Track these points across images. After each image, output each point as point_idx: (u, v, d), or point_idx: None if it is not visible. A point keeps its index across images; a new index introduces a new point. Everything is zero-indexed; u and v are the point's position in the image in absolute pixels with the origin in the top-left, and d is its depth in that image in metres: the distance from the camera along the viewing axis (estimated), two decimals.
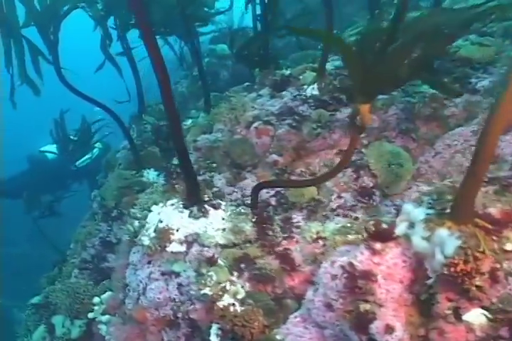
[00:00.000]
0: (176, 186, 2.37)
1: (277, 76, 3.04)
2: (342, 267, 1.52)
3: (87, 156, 5.60)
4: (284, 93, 2.83)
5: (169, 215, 2.12)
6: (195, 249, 2.03)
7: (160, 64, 1.81)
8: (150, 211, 2.28)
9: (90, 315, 2.39)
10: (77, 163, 5.55)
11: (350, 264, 1.49)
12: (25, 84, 3.01)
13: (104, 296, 2.41)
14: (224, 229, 2.06)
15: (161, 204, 2.23)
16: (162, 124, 4.31)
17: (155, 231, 2.08)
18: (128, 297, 2.14)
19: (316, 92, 2.67)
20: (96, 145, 5.65)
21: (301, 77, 2.85)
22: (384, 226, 1.48)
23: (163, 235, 2.04)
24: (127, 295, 2.16)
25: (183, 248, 2.05)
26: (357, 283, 1.44)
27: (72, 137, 5.39)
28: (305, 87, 2.73)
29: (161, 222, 2.10)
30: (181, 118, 4.09)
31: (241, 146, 2.56)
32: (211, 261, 1.81)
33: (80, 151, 5.51)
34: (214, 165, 2.61)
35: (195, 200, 2.13)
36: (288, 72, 3.10)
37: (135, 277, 2.09)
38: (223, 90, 4.86)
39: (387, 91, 1.95)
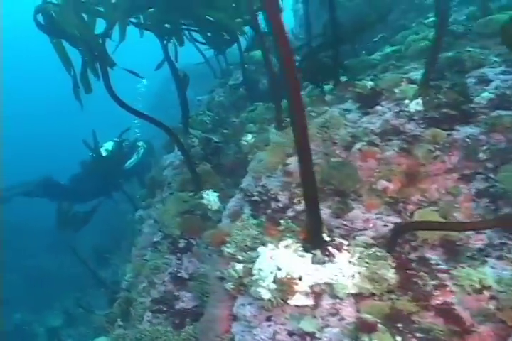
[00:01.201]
0: (282, 221, 2.04)
1: (360, 88, 2.73)
2: None
3: (134, 157, 6.03)
4: (379, 108, 2.51)
5: (288, 261, 1.79)
6: (326, 302, 1.71)
7: (295, 85, 1.50)
8: (253, 251, 1.97)
9: None
10: (126, 164, 5.94)
11: None
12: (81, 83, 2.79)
13: None
14: (353, 276, 1.75)
15: (270, 246, 1.90)
16: (210, 138, 4.00)
17: (274, 281, 1.76)
18: None
19: (420, 108, 2.36)
20: (140, 144, 6.18)
21: (396, 90, 2.53)
22: None
23: (285, 287, 1.72)
24: None
25: (309, 301, 1.73)
26: None
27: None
28: (406, 101, 2.42)
29: (280, 269, 1.77)
30: (241, 133, 3.77)
31: (344, 171, 2.24)
32: (367, 324, 1.49)
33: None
34: None
35: (317, 242, 1.81)
36: (370, 82, 2.78)
37: (251, 337, 1.76)
38: (264, 99, 4.56)
39: None
